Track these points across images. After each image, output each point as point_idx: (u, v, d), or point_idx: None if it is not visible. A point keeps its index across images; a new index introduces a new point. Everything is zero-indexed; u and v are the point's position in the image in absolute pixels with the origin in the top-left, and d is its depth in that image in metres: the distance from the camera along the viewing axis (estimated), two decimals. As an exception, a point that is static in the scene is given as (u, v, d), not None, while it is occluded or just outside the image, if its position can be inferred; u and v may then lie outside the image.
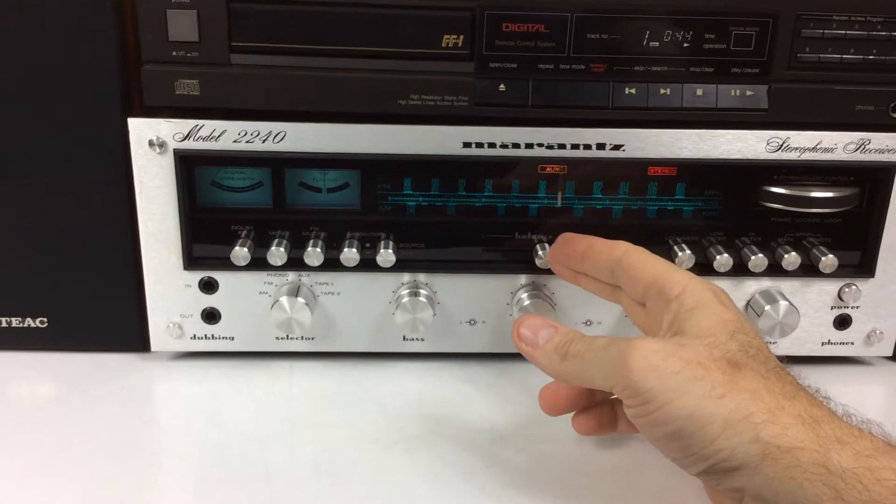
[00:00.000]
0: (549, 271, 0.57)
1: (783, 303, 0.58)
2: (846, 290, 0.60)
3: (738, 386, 0.39)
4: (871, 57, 0.55)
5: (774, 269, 0.59)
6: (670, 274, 0.45)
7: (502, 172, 0.57)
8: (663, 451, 0.41)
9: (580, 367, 0.43)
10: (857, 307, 0.61)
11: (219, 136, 0.54)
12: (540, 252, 0.57)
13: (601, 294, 0.52)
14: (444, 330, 0.60)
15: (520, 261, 0.58)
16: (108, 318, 0.59)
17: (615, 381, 0.41)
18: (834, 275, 0.59)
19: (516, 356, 0.61)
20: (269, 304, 0.58)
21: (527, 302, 0.58)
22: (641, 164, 0.57)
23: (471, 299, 0.60)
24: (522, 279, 0.59)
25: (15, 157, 0.55)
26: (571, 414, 0.50)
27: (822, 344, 0.62)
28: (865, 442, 0.37)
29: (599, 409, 0.50)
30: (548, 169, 0.57)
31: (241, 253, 0.56)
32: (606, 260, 0.49)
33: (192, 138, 0.54)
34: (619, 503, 0.47)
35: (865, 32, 0.55)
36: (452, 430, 0.53)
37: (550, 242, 0.58)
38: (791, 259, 0.58)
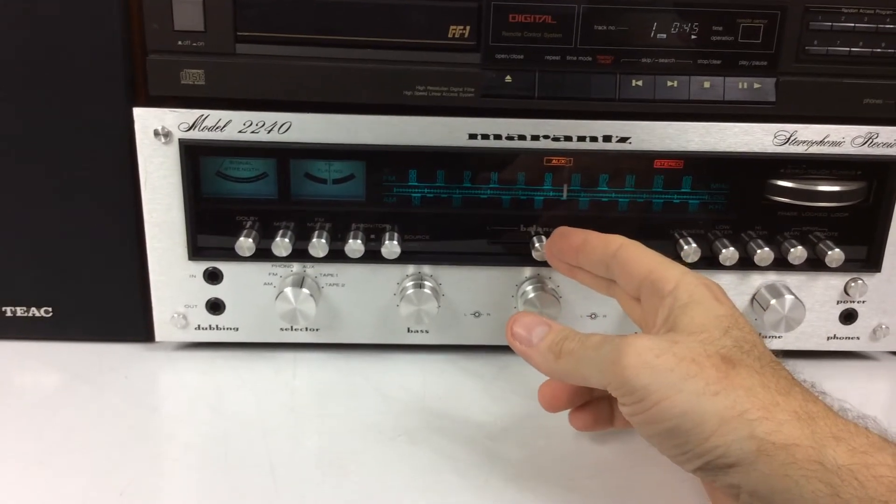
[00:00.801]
0: (553, 264, 0.58)
1: (789, 297, 0.58)
2: (852, 284, 0.60)
3: (732, 382, 0.38)
4: (879, 50, 0.55)
5: (780, 264, 0.59)
6: (664, 268, 0.45)
7: (508, 164, 0.57)
8: (659, 448, 0.41)
9: (575, 365, 0.43)
10: (864, 302, 0.61)
11: (224, 127, 0.54)
12: (537, 244, 0.57)
13: (596, 288, 0.52)
14: (449, 322, 0.60)
15: (524, 253, 0.58)
16: (112, 307, 0.59)
17: (610, 378, 0.40)
18: (840, 269, 0.59)
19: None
20: (273, 295, 0.58)
21: (531, 294, 0.58)
22: (648, 157, 0.56)
23: (475, 291, 0.60)
24: (527, 272, 0.59)
25: (20, 146, 0.55)
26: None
27: (828, 339, 0.62)
28: (861, 438, 0.37)
29: (596, 406, 0.50)
30: (554, 161, 0.57)
31: (245, 243, 0.56)
32: (602, 254, 0.49)
33: (197, 128, 0.54)
34: (619, 497, 0.47)
35: (874, 25, 0.54)
36: (456, 423, 0.53)
37: (550, 234, 0.58)
38: (797, 253, 0.58)
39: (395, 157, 0.56)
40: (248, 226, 0.57)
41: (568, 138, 0.55)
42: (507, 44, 0.54)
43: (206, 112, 0.54)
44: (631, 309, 0.49)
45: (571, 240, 0.52)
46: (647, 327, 0.46)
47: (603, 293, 0.51)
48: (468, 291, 0.59)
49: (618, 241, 0.48)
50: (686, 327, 0.41)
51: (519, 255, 0.58)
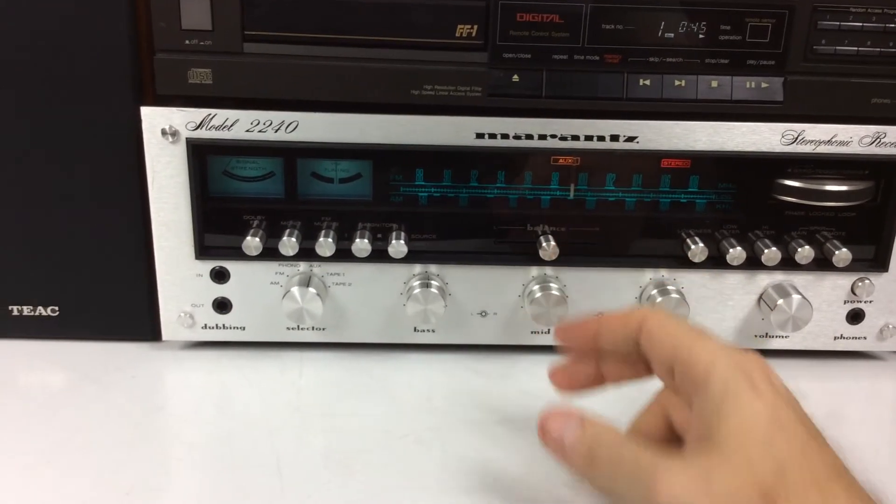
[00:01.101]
0: (560, 263, 0.57)
1: (796, 297, 0.58)
2: (859, 284, 0.60)
3: None
4: (887, 49, 0.55)
5: (788, 263, 0.58)
6: (691, 350, 0.40)
7: (515, 164, 0.57)
8: None
9: (609, 482, 0.39)
10: (871, 302, 0.61)
11: (231, 126, 0.54)
12: (544, 244, 0.57)
13: (631, 377, 0.45)
14: (456, 321, 0.60)
15: (531, 253, 0.58)
16: (119, 306, 0.59)
17: None
18: (847, 269, 0.59)
19: (527, 348, 0.61)
20: (280, 294, 0.58)
21: (538, 294, 0.58)
22: (655, 157, 0.56)
23: (482, 291, 0.59)
24: (534, 271, 0.59)
25: (27, 146, 0.55)
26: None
27: (835, 338, 0.62)
28: None
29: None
30: (561, 160, 0.57)
31: (252, 243, 0.56)
32: (623, 335, 0.44)
33: (204, 127, 0.54)
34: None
35: (882, 25, 0.54)
36: (462, 423, 0.53)
37: (557, 234, 0.58)
38: (805, 253, 0.58)
39: (402, 157, 0.56)
40: (254, 225, 0.57)
41: (575, 137, 0.55)
42: (515, 43, 0.53)
43: (213, 111, 0.54)
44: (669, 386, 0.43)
45: (585, 328, 0.46)
46: (680, 417, 0.42)
47: (642, 377, 0.45)
48: (475, 291, 0.59)
49: (636, 319, 0.43)
50: (722, 440, 0.37)
51: (526, 254, 0.58)
